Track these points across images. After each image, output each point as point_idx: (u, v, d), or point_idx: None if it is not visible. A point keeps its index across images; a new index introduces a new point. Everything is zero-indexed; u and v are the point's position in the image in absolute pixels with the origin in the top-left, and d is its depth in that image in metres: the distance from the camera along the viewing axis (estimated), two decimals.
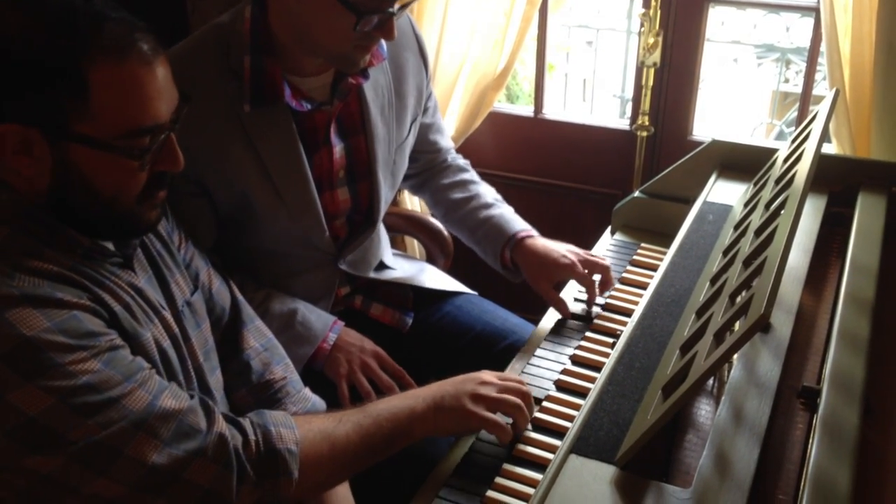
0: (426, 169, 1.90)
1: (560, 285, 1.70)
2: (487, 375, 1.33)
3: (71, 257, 1.10)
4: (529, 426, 1.33)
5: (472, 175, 1.90)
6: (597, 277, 1.66)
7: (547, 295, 1.66)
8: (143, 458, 1.03)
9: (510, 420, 1.31)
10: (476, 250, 1.83)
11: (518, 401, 1.30)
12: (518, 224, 1.78)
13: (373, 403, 1.26)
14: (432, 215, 2.04)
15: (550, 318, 1.63)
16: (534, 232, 1.77)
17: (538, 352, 1.53)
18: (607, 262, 1.68)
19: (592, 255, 1.70)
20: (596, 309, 1.64)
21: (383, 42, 1.57)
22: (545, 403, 1.38)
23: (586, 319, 1.61)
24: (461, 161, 1.92)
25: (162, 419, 1.06)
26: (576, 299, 1.67)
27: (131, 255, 1.20)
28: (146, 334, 1.16)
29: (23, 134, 1.03)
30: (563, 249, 1.70)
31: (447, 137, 1.92)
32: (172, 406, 1.07)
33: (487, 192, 1.86)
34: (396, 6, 1.41)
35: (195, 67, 1.48)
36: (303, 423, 1.18)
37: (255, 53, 1.47)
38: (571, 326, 1.60)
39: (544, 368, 1.48)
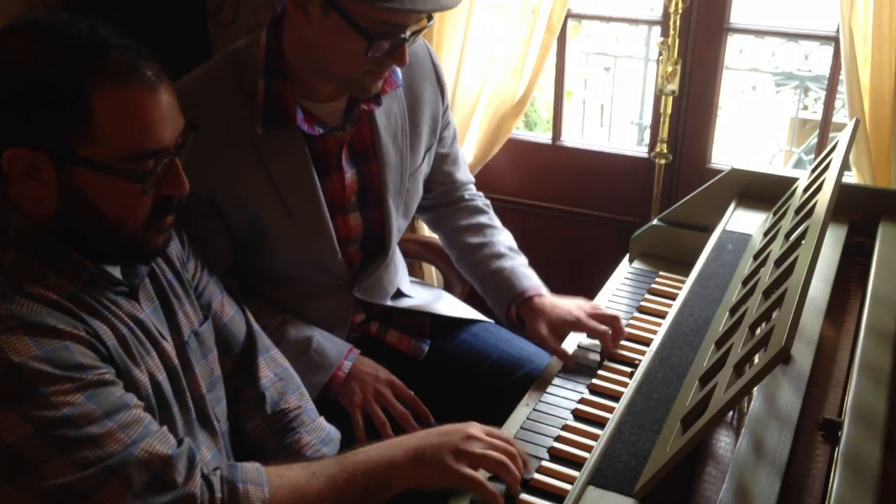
0: (441, 202, 1.87)
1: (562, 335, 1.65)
2: (475, 429, 1.26)
3: (74, 284, 1.10)
4: (548, 445, 1.31)
5: (489, 218, 1.87)
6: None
7: (551, 348, 1.60)
8: None
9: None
10: (485, 299, 1.80)
11: (503, 458, 1.22)
12: (527, 281, 1.73)
13: (352, 453, 1.22)
14: None
15: (568, 346, 1.62)
16: (543, 290, 1.72)
17: (555, 381, 1.52)
18: (616, 313, 1.62)
19: (598, 308, 1.64)
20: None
21: (398, 70, 1.58)
22: (563, 433, 1.37)
23: (594, 369, 1.55)
24: (480, 202, 1.89)
25: (137, 468, 1.04)
26: (579, 345, 1.62)
27: (137, 286, 1.21)
28: (138, 370, 1.15)
29: (30, 157, 1.05)
30: (569, 306, 1.64)
31: (465, 171, 1.90)
32: (151, 455, 1.06)
33: (502, 241, 1.82)
34: (408, 32, 1.42)
35: (211, 91, 1.50)
36: (275, 477, 1.16)
37: (269, 77, 1.49)
38: (590, 354, 1.59)
39: (561, 398, 1.47)
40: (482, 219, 1.86)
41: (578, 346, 1.61)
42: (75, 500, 1.01)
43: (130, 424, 1.06)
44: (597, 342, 1.60)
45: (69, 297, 1.09)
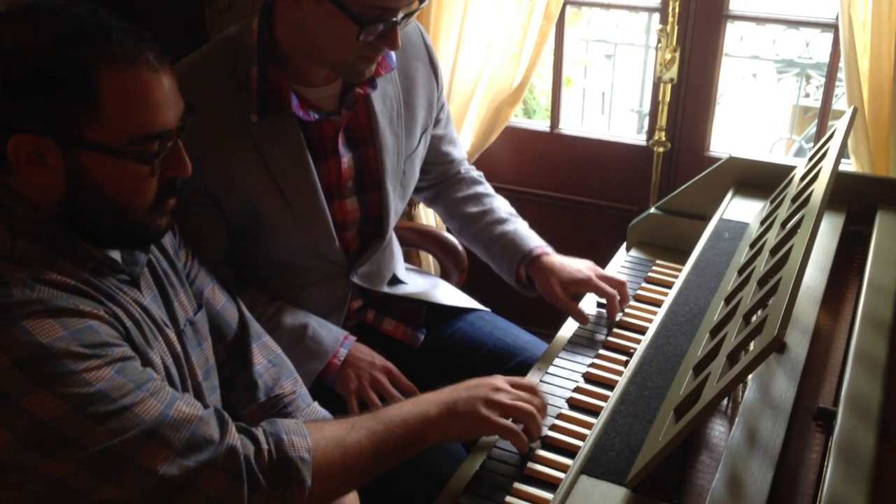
0: (440, 181, 1.89)
1: (578, 297, 1.69)
2: (500, 381, 1.32)
3: (83, 271, 1.11)
4: (543, 433, 1.33)
5: (485, 188, 1.89)
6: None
7: (565, 305, 1.65)
8: (154, 467, 1.03)
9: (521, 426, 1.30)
10: (491, 265, 1.83)
11: (531, 408, 1.29)
12: (533, 241, 1.77)
13: (385, 409, 1.25)
14: (447, 229, 2.03)
15: (563, 335, 1.62)
16: (549, 249, 1.76)
17: (551, 369, 1.52)
18: (623, 278, 1.67)
19: (607, 273, 1.69)
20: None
21: (392, 52, 1.57)
22: (557, 422, 1.37)
23: (607, 328, 1.61)
24: (475, 173, 1.91)
25: (173, 428, 1.06)
26: (599, 304, 1.68)
27: (138, 274, 1.21)
28: (152, 353, 1.17)
29: (36, 143, 1.04)
30: (579, 265, 1.69)
31: (460, 148, 1.91)
32: (184, 415, 1.07)
33: (502, 206, 1.85)
34: (400, 16, 1.41)
35: (204, 79, 1.50)
36: (315, 430, 1.18)
37: (262, 64, 1.48)
38: (585, 343, 1.58)
39: (557, 386, 1.47)
40: (479, 189, 1.88)
41: (574, 335, 1.61)
42: (117, 463, 1.02)
43: (159, 391, 1.08)
44: (589, 327, 1.63)
45: (83, 283, 1.10)
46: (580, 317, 1.63)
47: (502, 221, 1.81)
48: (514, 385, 1.33)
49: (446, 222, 1.94)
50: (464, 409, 1.26)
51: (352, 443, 1.18)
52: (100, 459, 1.01)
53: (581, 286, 1.66)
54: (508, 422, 1.27)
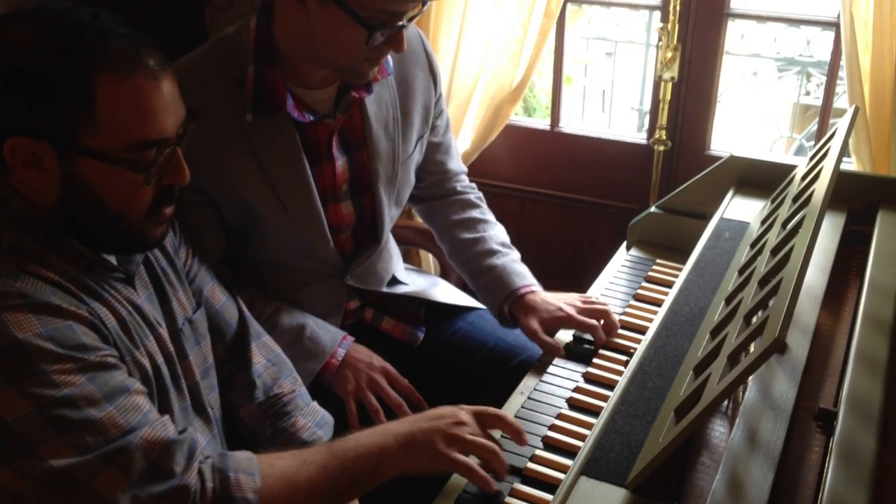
0: (433, 193, 1.85)
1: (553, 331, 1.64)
2: (464, 414, 1.25)
3: (74, 268, 1.10)
4: (543, 433, 1.31)
5: (482, 212, 1.84)
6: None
7: (541, 343, 1.59)
8: (110, 494, 1.01)
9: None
10: (478, 296, 1.79)
11: (491, 445, 1.23)
12: (519, 279, 1.71)
13: (342, 440, 1.21)
14: None
15: (564, 336, 1.61)
16: (535, 286, 1.70)
17: (551, 369, 1.51)
18: (607, 305, 1.62)
19: (591, 300, 1.64)
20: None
21: (389, 58, 1.57)
22: (557, 422, 1.37)
23: (587, 360, 1.54)
24: (473, 195, 1.86)
25: (135, 456, 1.04)
26: (575, 336, 1.61)
27: (133, 272, 1.21)
28: (138, 353, 1.16)
29: (32, 147, 1.04)
30: (560, 302, 1.64)
31: (457, 161, 1.87)
32: (147, 443, 1.05)
33: (495, 236, 1.80)
34: (405, 19, 1.41)
35: (200, 78, 1.49)
36: (265, 466, 1.14)
37: (258, 63, 1.47)
38: (586, 344, 1.58)
39: (557, 386, 1.47)
40: (475, 213, 1.83)
41: (574, 335, 1.60)
42: (73, 486, 1.00)
43: (129, 410, 1.06)
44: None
45: (70, 279, 1.09)
46: (556, 352, 1.56)
47: (492, 254, 1.75)
48: (478, 414, 1.26)
49: (439, 244, 1.89)
50: (422, 442, 1.20)
51: (302, 480, 1.15)
52: (57, 480, 0.99)
53: (563, 324, 1.61)
54: (466, 459, 1.21)
